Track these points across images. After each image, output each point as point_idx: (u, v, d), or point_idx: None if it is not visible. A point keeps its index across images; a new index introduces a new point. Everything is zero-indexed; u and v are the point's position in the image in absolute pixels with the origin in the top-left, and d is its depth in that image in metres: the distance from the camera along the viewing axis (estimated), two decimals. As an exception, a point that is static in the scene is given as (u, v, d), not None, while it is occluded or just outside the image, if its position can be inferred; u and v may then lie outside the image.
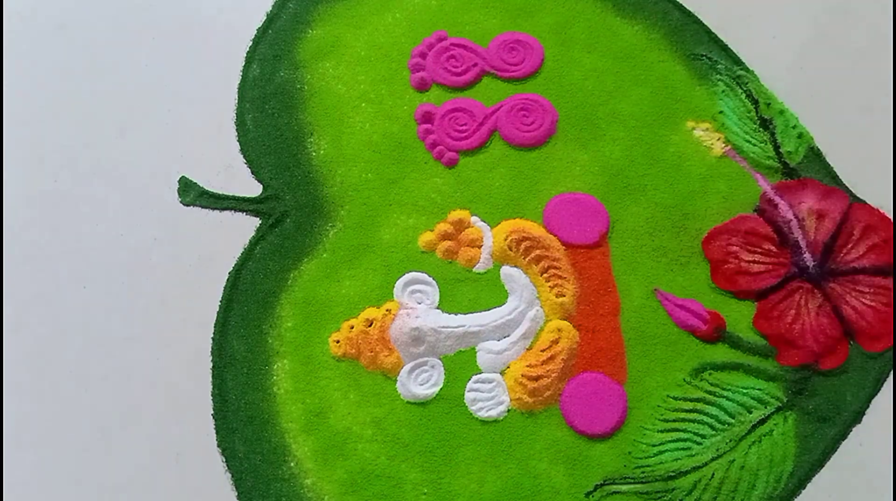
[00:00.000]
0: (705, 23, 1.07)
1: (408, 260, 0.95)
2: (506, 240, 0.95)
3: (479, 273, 0.95)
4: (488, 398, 0.88)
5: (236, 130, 1.04)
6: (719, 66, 1.04)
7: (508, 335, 0.91)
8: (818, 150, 0.99)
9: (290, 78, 1.06)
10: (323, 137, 1.03)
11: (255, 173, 1.01)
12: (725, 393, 0.88)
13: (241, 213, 0.99)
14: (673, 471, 0.85)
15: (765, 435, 0.86)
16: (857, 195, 0.96)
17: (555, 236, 0.95)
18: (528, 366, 0.89)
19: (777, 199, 0.96)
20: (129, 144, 1.04)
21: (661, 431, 0.86)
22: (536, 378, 0.88)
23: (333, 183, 1.00)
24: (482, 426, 0.88)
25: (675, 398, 0.88)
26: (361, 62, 1.07)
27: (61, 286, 0.97)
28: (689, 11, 1.07)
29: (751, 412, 0.87)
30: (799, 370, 0.88)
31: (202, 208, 1.00)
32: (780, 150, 0.99)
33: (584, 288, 0.93)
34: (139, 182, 1.02)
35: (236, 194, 1.00)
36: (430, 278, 0.94)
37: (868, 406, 0.87)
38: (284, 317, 0.93)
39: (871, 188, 0.96)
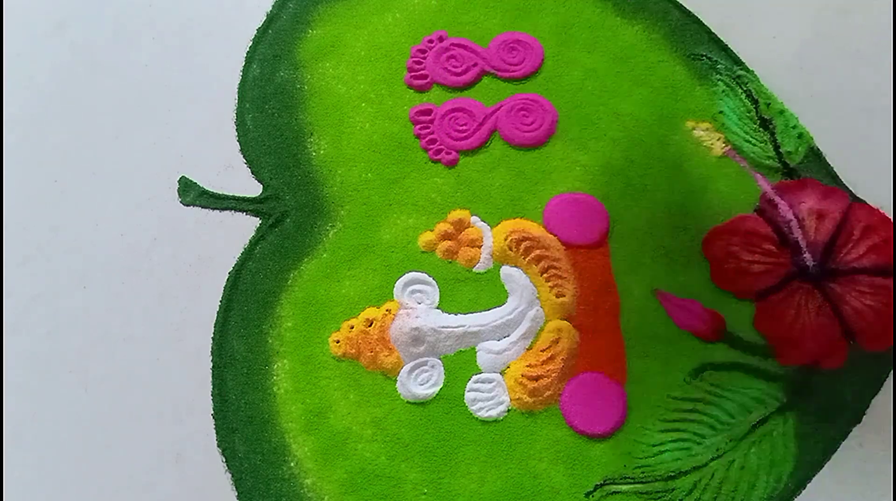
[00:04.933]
0: (705, 23, 1.07)
1: (408, 260, 0.95)
2: (506, 240, 0.95)
3: (479, 273, 0.95)
4: (488, 398, 0.88)
5: (236, 130, 1.04)
6: (719, 66, 1.04)
7: (508, 335, 0.91)
8: (818, 150, 0.99)
9: (290, 78, 1.06)
10: (323, 137, 1.03)
11: (255, 173, 1.01)
12: (725, 393, 0.88)
13: (241, 213, 0.99)
14: (673, 471, 0.85)
15: (765, 435, 0.86)
16: (857, 195, 0.96)
17: (555, 236, 0.95)
18: (528, 366, 0.89)
19: (777, 199, 0.96)
20: (129, 143, 1.04)
21: (662, 431, 0.86)
22: (536, 378, 0.88)
23: (333, 183, 1.00)
24: (482, 426, 0.88)
25: (676, 398, 0.88)
26: (361, 62, 1.07)
27: (61, 286, 0.97)
28: (689, 11, 1.08)
29: (751, 413, 0.87)
30: (799, 370, 0.88)
31: (202, 208, 1.00)
32: (780, 150, 0.99)
33: (584, 288, 0.93)
34: (139, 182, 1.02)
35: (236, 194, 1.00)
36: (430, 278, 0.94)
37: (868, 406, 0.87)
38: (284, 317, 0.93)
39: (871, 188, 0.96)
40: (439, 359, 0.91)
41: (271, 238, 0.97)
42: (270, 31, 1.10)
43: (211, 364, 0.91)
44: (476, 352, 0.91)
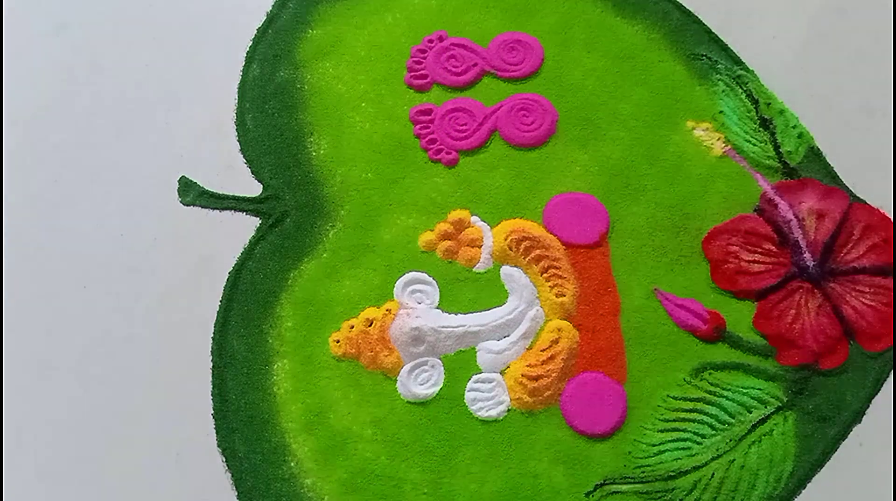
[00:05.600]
0: (705, 23, 1.07)
1: (408, 260, 0.95)
2: (506, 240, 0.95)
3: (479, 273, 0.95)
4: (488, 397, 0.88)
5: (236, 130, 1.04)
6: (719, 66, 1.04)
7: (508, 335, 0.91)
8: (818, 150, 0.99)
9: (290, 78, 1.06)
10: (323, 137, 1.03)
11: (255, 173, 1.01)
12: (725, 393, 0.88)
13: (241, 213, 0.99)
14: (673, 471, 0.85)
15: (765, 435, 0.86)
16: (857, 195, 0.96)
17: (555, 236, 0.95)
18: (528, 366, 0.89)
19: (777, 199, 0.96)
20: (129, 144, 1.04)
21: (661, 431, 0.86)
22: (536, 378, 0.88)
23: (333, 183, 1.00)
24: (482, 426, 0.88)
25: (675, 398, 0.88)
26: (361, 62, 1.07)
27: (61, 286, 0.96)
28: (689, 11, 1.08)
29: (751, 412, 0.87)
30: (799, 370, 0.88)
31: (202, 208, 1.00)
32: (780, 150, 0.99)
33: (584, 288, 0.93)
34: (139, 182, 1.02)
35: (236, 194, 1.00)
36: (430, 278, 0.94)
37: (868, 406, 0.87)
38: (284, 317, 0.93)
39: (871, 188, 0.96)
40: (439, 359, 0.91)
41: (271, 238, 0.97)
42: (270, 31, 1.10)
43: (211, 364, 0.91)
44: (476, 352, 0.91)
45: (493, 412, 0.88)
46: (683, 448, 0.86)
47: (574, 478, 0.85)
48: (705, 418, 0.87)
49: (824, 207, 0.95)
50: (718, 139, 1.00)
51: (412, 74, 1.05)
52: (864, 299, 0.90)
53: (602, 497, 0.84)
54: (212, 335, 0.93)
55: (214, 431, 0.89)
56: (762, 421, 0.86)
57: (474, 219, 0.97)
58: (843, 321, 0.89)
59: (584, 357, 0.90)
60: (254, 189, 1.00)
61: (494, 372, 0.90)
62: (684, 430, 0.86)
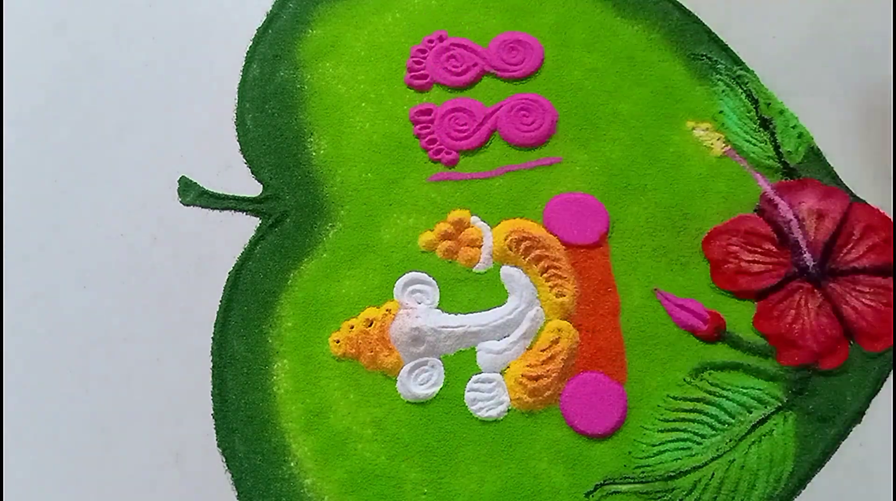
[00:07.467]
0: (705, 23, 1.07)
1: (408, 260, 0.95)
2: (506, 240, 0.95)
3: (479, 273, 0.95)
4: (488, 397, 0.88)
5: (236, 130, 1.04)
6: (719, 66, 1.04)
7: (508, 335, 0.91)
8: (818, 150, 0.99)
9: (290, 78, 1.06)
10: (323, 137, 1.03)
11: (255, 173, 1.01)
12: (725, 393, 0.88)
13: (241, 213, 0.99)
14: (673, 471, 0.85)
15: (765, 435, 0.86)
16: (857, 195, 0.96)
17: (555, 235, 0.95)
18: (528, 366, 0.89)
19: (777, 199, 0.96)
20: (129, 144, 1.04)
21: (661, 431, 0.86)
22: (536, 378, 0.88)
23: (333, 183, 1.00)
24: (482, 426, 0.88)
25: (675, 398, 0.88)
26: (361, 62, 1.07)
27: (61, 286, 0.96)
28: (689, 11, 1.08)
29: (751, 412, 0.87)
30: (799, 370, 0.88)
31: (202, 208, 1.00)
32: (780, 150, 0.99)
33: (584, 288, 0.93)
34: (139, 182, 1.02)
35: (236, 194, 1.00)
36: (430, 278, 0.94)
37: (868, 406, 0.87)
38: (284, 317, 0.93)
39: (871, 188, 0.96)
40: (439, 359, 0.91)
41: (271, 238, 0.97)
42: (270, 31, 1.10)
43: (211, 364, 0.91)
44: (476, 352, 0.91)
45: (493, 412, 0.88)
46: (683, 448, 0.86)
47: (574, 478, 0.85)
48: (705, 418, 0.87)
49: (824, 207, 0.95)
50: (718, 139, 1.00)
51: (412, 74, 1.05)
52: (864, 299, 0.90)
53: (602, 497, 0.84)
54: (212, 335, 0.93)
55: (214, 431, 0.89)
56: (762, 421, 0.86)
57: (474, 219, 0.97)
58: (843, 321, 0.89)
59: (584, 357, 0.90)
60: (254, 189, 1.00)
61: (494, 372, 0.90)
62: (684, 430, 0.86)
